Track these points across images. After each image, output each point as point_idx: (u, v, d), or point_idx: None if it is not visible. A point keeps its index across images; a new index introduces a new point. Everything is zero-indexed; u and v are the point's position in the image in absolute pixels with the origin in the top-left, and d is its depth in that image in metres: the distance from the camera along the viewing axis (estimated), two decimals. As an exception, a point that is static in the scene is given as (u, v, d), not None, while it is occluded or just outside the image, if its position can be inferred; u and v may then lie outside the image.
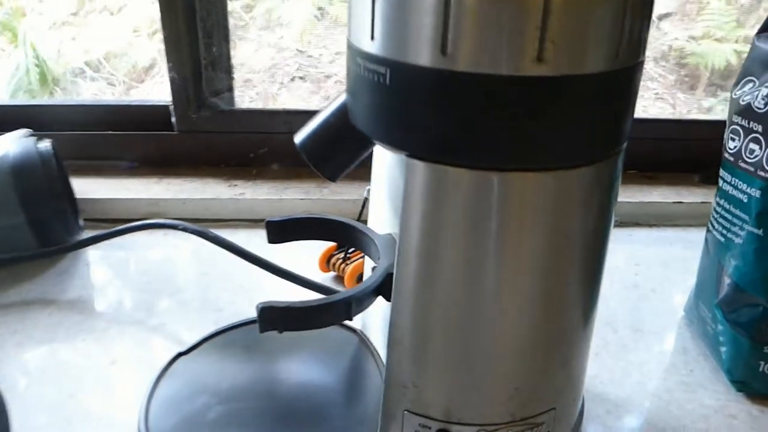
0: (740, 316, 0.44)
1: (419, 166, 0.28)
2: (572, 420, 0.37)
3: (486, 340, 0.31)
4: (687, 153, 0.74)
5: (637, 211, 0.69)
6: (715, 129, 0.74)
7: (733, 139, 0.44)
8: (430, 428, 0.34)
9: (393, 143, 0.29)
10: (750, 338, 0.44)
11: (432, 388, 0.33)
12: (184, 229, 0.53)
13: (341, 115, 0.32)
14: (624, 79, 0.27)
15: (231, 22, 0.73)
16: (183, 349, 0.44)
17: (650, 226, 0.70)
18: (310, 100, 1.37)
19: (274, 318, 0.32)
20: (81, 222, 0.65)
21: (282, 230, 0.40)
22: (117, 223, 0.60)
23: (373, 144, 0.32)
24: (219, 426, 0.38)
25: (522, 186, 0.28)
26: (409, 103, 0.27)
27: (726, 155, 0.45)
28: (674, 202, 0.69)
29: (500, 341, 0.32)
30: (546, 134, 0.26)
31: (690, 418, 0.44)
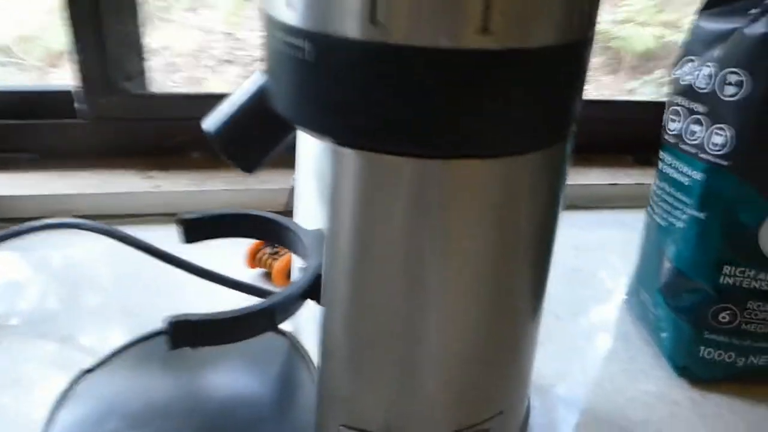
0: (682, 301, 0.44)
1: (349, 154, 0.25)
2: (520, 419, 0.35)
3: (428, 345, 0.28)
4: (620, 134, 0.74)
5: (573, 193, 0.68)
6: (647, 109, 0.75)
7: (673, 121, 0.43)
8: (368, 444, 0.30)
9: (318, 129, 0.25)
10: (691, 324, 0.43)
11: (370, 401, 0.30)
12: (90, 229, 0.47)
13: (258, 97, 0.28)
14: (576, 53, 0.24)
15: (151, 2, 0.66)
16: (89, 366, 0.39)
17: (587, 208, 0.69)
18: (239, 84, 1.30)
19: (187, 333, 0.28)
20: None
21: (197, 228, 0.36)
22: (17, 222, 0.54)
23: (296, 129, 0.28)
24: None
25: (466, 175, 0.25)
26: (334, 82, 0.23)
27: (666, 137, 0.44)
28: (610, 184, 0.69)
29: (444, 346, 0.29)
30: (493, 116, 0.23)
31: (632, 406, 0.43)
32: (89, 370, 0.39)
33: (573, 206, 0.69)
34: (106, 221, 0.50)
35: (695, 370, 0.44)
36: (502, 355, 0.31)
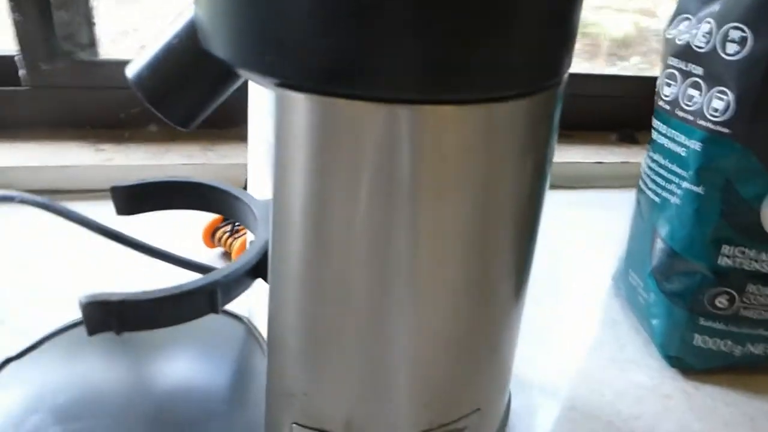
0: (675, 284, 0.40)
1: (296, 99, 0.20)
2: (499, 416, 0.31)
3: (393, 334, 0.24)
4: (603, 110, 0.70)
5: (555, 171, 0.64)
6: (631, 84, 0.71)
7: (668, 85, 0.39)
8: (325, 445, 0.26)
9: (259, 69, 0.21)
10: (686, 309, 0.40)
11: (326, 397, 0.25)
12: (22, 201, 0.42)
13: (188, 36, 0.23)
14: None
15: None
16: (14, 353, 0.34)
17: (570, 188, 0.65)
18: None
19: (105, 316, 0.23)
20: None
21: (132, 198, 0.31)
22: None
23: (236, 76, 0.23)
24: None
25: (439, 125, 0.20)
26: (277, 8, 0.19)
27: (660, 103, 0.40)
28: (594, 163, 0.65)
29: (413, 334, 0.24)
30: (472, 50, 0.19)
31: (621, 400, 0.39)
32: (13, 358, 0.34)
33: (554, 186, 0.65)
34: (52, 196, 0.45)
35: (688, 359, 0.41)
36: (480, 346, 0.27)
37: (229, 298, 0.25)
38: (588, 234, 0.58)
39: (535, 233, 0.27)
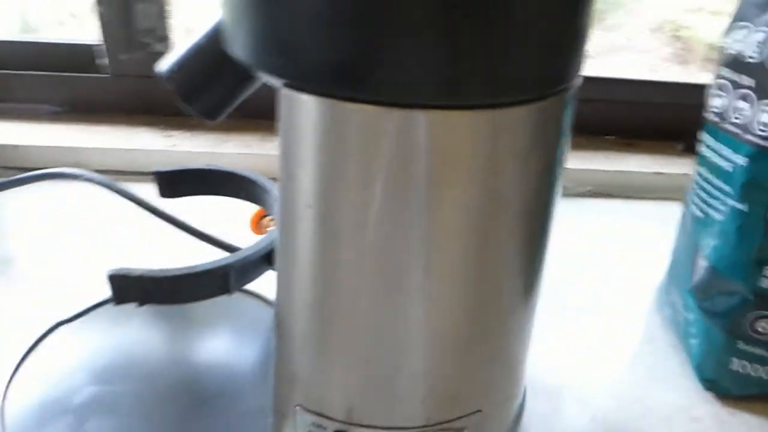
0: (715, 304, 0.38)
1: (304, 102, 0.21)
2: (505, 422, 0.31)
3: (397, 326, 0.25)
4: (670, 119, 0.67)
5: (611, 180, 0.63)
6: (702, 93, 0.68)
7: (718, 96, 0.37)
8: (325, 429, 0.27)
9: (271, 69, 0.22)
10: (724, 331, 0.38)
11: (326, 383, 0.27)
12: (87, 179, 0.46)
13: (215, 38, 0.25)
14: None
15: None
16: (65, 317, 0.38)
17: (626, 197, 0.63)
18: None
19: (129, 288, 0.25)
20: (-10, 169, 0.58)
21: (173, 182, 0.34)
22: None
23: (255, 76, 0.25)
24: (84, 412, 0.32)
25: (448, 130, 0.21)
26: (288, 11, 0.20)
27: (709, 116, 0.38)
28: (654, 173, 0.63)
29: (416, 329, 0.25)
30: (489, 50, 0.19)
31: (648, 418, 0.38)
32: (64, 322, 0.37)
33: (609, 195, 0.63)
34: (121, 177, 0.49)
35: (724, 383, 0.39)
36: (483, 347, 0.27)
37: (243, 281, 0.27)
38: (639, 245, 0.56)
39: (545, 237, 0.27)
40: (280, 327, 0.27)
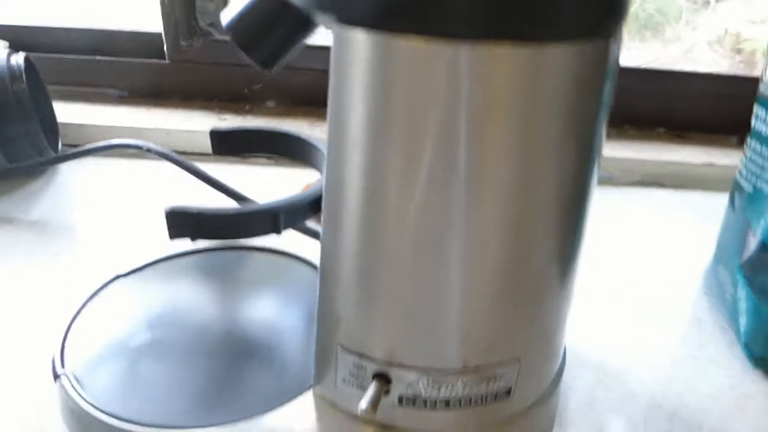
0: (765, 280, 0.38)
1: (354, 38, 0.22)
2: (543, 381, 0.31)
3: (435, 272, 0.25)
4: (725, 112, 0.66)
5: (661, 170, 0.62)
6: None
7: (772, 68, 0.37)
8: (365, 369, 0.28)
9: (323, 7, 0.23)
10: (774, 307, 0.37)
11: (368, 326, 0.27)
12: (148, 150, 0.48)
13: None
14: None
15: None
16: (122, 271, 0.40)
17: (676, 188, 0.62)
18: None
19: (185, 223, 0.27)
20: (60, 146, 0.61)
21: (227, 141, 0.35)
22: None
23: (312, 23, 0.26)
24: (138, 354, 0.34)
25: (497, 63, 0.21)
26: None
27: (762, 88, 0.38)
28: (705, 164, 0.61)
29: (454, 276, 0.26)
30: None
31: (693, 395, 0.38)
32: (121, 276, 0.39)
33: (659, 184, 0.62)
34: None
35: (775, 362, 0.38)
36: (524, 293, 0.27)
37: (292, 223, 0.28)
38: (688, 234, 0.55)
39: (587, 191, 0.27)
40: (324, 270, 0.28)
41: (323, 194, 0.26)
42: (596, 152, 0.26)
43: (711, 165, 0.61)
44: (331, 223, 0.27)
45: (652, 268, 0.51)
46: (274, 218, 0.27)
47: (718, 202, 0.60)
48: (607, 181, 0.62)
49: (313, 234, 0.41)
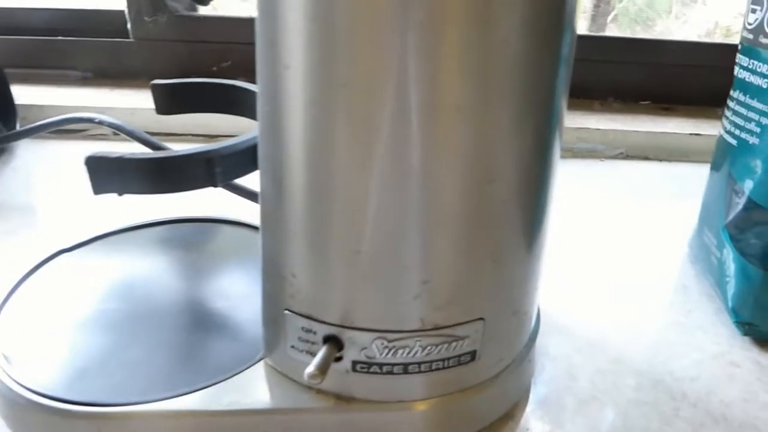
0: (752, 240, 0.35)
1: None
2: (513, 345, 0.29)
3: (386, 210, 0.23)
4: (711, 82, 0.64)
5: (646, 142, 0.59)
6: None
7: (753, 11, 0.34)
8: (316, 333, 0.26)
9: None
10: (762, 268, 0.35)
11: (315, 280, 0.25)
12: (100, 123, 0.45)
13: None
14: None
15: None
16: (67, 245, 0.37)
17: (661, 160, 0.60)
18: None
19: (107, 172, 0.24)
20: (18, 127, 0.58)
21: (171, 96, 0.33)
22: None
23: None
24: (80, 330, 0.31)
25: None
26: None
27: (744, 34, 0.36)
28: (691, 134, 0.59)
29: (408, 213, 0.23)
30: None
31: (680, 362, 0.35)
32: (65, 250, 0.37)
33: (645, 157, 0.60)
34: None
35: (764, 326, 0.36)
36: (485, 242, 0.25)
37: (230, 175, 0.26)
38: (674, 205, 0.53)
39: (554, 116, 0.24)
40: (266, 223, 0.25)
41: (258, 135, 0.24)
42: (562, 72, 0.24)
43: (697, 135, 0.59)
44: (269, 165, 0.24)
45: (638, 239, 0.48)
46: (207, 165, 0.25)
47: (704, 172, 0.58)
48: (592, 153, 0.60)
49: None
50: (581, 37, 0.61)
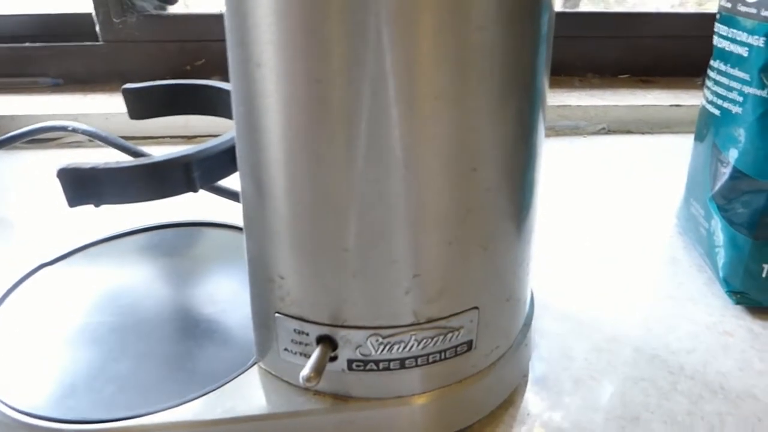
0: (739, 208, 0.35)
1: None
2: (509, 329, 0.29)
3: (371, 205, 0.22)
4: (689, 53, 0.64)
5: (628, 116, 0.59)
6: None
7: (730, -22, 0.34)
8: (308, 334, 0.25)
9: None
10: (751, 236, 0.35)
11: (304, 281, 0.24)
12: (73, 130, 0.44)
13: None
14: None
15: None
16: (48, 259, 0.36)
17: (643, 133, 0.60)
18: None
19: (81, 184, 0.23)
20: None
21: (144, 100, 0.32)
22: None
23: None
24: (65, 345, 0.30)
25: None
26: None
27: (722, 2, 0.35)
28: (671, 105, 0.59)
29: (392, 206, 0.22)
30: None
31: (674, 335, 0.35)
32: (46, 264, 0.36)
33: (627, 131, 0.60)
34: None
35: (755, 295, 0.36)
36: (473, 232, 0.24)
37: (210, 179, 0.25)
38: (659, 177, 0.53)
39: (533, 121, 0.24)
40: (249, 225, 0.25)
41: (235, 135, 0.23)
42: (542, 57, 0.23)
43: (677, 106, 0.59)
44: (248, 166, 0.23)
45: (625, 213, 0.48)
46: (186, 171, 0.24)
47: (687, 142, 0.58)
48: (574, 131, 0.60)
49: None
50: (557, 15, 0.60)
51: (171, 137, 0.60)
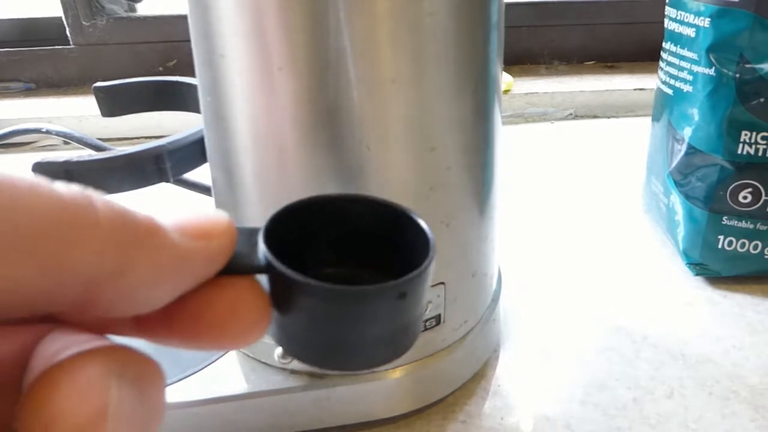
0: (694, 182, 0.37)
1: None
2: (477, 304, 0.30)
3: (328, 186, 0.23)
4: (650, 38, 0.65)
5: (594, 101, 0.61)
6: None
7: (678, -37, 0.36)
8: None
9: None
10: (707, 209, 0.36)
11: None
12: (47, 132, 0.45)
13: None
14: None
15: None
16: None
17: (609, 117, 0.61)
18: None
19: (57, 179, 0.24)
20: (-37, 148, 0.57)
21: (114, 97, 0.32)
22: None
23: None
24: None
25: None
26: None
27: (671, -14, 0.37)
28: (635, 89, 0.61)
29: (353, 185, 0.23)
30: None
31: (636, 307, 0.37)
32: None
33: (593, 116, 0.62)
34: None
35: (714, 266, 0.38)
36: (436, 214, 0.25)
37: (181, 169, 0.26)
38: (625, 159, 0.55)
39: (488, 98, 0.25)
40: (220, 202, 0.26)
41: (204, 126, 0.24)
42: (493, 64, 0.25)
43: (641, 90, 0.61)
44: (217, 155, 0.24)
45: (593, 194, 0.50)
46: (157, 162, 0.25)
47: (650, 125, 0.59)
48: (542, 117, 0.61)
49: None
50: (522, 5, 0.62)
51: (145, 138, 0.61)
